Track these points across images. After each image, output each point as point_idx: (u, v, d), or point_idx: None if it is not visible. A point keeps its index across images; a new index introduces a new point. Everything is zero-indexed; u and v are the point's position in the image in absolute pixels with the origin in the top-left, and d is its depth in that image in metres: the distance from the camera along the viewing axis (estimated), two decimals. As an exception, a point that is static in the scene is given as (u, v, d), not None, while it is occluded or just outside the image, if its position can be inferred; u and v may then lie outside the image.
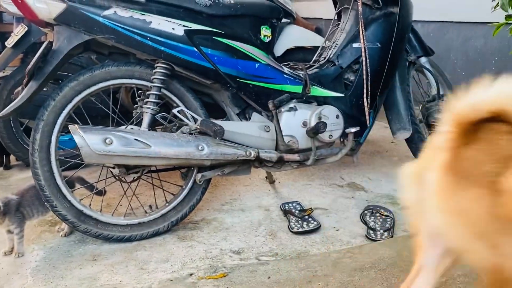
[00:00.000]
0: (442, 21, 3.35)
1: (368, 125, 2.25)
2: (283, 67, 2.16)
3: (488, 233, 0.92)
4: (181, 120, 1.98)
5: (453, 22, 3.26)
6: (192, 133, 1.96)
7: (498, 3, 2.22)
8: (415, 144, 2.43)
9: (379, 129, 3.30)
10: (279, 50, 2.45)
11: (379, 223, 2.01)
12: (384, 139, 3.27)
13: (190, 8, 1.94)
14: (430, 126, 2.51)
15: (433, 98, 2.49)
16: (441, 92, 2.49)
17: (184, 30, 1.91)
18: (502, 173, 0.89)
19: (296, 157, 2.12)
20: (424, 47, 2.51)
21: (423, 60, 2.51)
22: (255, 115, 2.12)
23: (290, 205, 2.21)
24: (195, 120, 1.98)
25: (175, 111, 1.97)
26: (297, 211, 2.13)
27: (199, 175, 2.00)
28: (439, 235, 1.03)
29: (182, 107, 1.98)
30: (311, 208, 2.17)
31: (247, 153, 1.99)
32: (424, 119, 2.53)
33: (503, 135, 0.93)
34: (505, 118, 0.91)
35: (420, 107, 2.56)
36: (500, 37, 2.57)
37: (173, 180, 2.26)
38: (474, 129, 0.95)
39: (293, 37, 2.56)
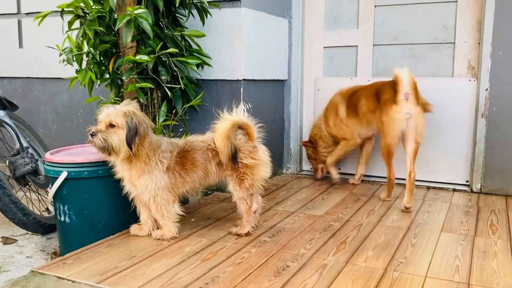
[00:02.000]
0: (29, 77, 3.39)
1: None
2: None
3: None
4: None
5: (39, 78, 3.35)
6: None
7: (64, 59, 2.44)
8: (1, 201, 2.30)
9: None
10: None
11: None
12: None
13: None
14: (19, 179, 2.47)
15: (17, 152, 2.45)
16: (24, 145, 2.48)
17: None
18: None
19: None
20: (1, 101, 2.47)
21: (1, 114, 2.45)
22: None
23: None
24: None
25: None
26: None
27: None
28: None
29: None
30: None
31: None
32: (12, 173, 2.45)
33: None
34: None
35: (7, 162, 2.48)
36: (81, 90, 2.80)
37: None
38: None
39: None
